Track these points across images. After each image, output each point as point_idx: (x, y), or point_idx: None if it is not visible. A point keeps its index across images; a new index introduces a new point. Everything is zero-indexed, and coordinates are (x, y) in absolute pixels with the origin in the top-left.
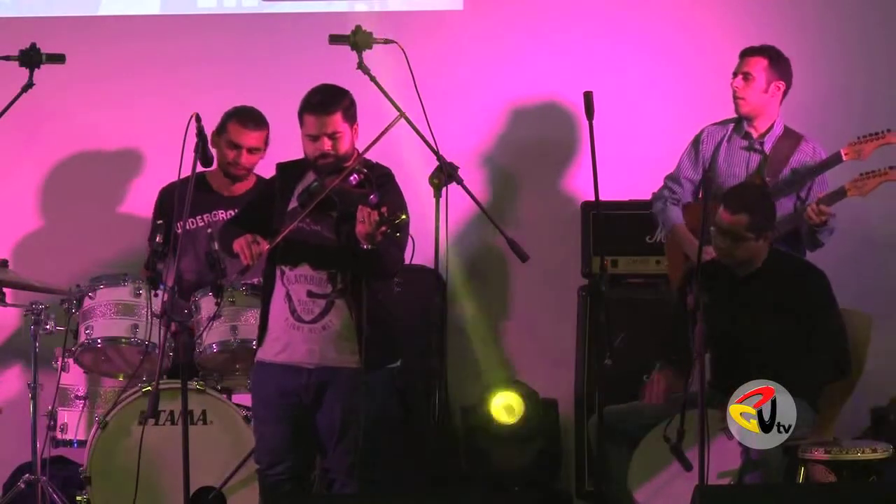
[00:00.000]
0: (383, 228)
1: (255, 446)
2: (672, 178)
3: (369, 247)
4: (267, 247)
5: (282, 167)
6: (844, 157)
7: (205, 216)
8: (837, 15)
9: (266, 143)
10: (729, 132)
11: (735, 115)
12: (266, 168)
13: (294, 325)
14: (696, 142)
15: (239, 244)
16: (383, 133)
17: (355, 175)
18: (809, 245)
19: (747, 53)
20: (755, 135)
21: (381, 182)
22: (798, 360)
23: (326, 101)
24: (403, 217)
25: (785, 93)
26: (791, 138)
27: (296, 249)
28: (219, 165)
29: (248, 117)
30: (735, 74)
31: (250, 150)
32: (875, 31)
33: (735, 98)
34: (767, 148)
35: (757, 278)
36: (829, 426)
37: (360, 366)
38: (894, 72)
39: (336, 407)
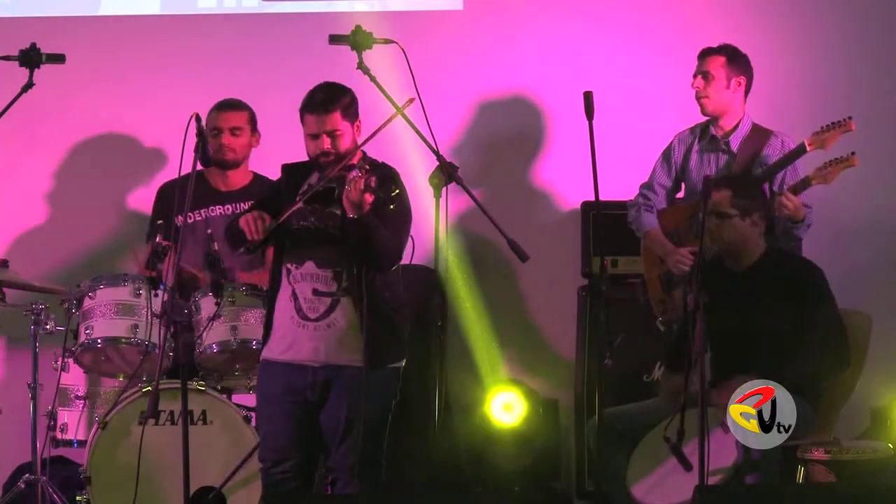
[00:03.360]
0: (369, 197)
1: (258, 444)
2: (646, 186)
3: (354, 216)
4: (270, 220)
5: (287, 168)
6: (809, 148)
7: (201, 211)
8: (843, 14)
9: (250, 125)
10: (697, 136)
11: (703, 121)
12: (267, 169)
13: (299, 324)
14: (668, 150)
15: (244, 219)
16: (381, 128)
17: (357, 171)
18: (785, 240)
19: (705, 54)
20: (720, 134)
21: (384, 180)
22: (797, 356)
23: (325, 100)
24: (397, 191)
25: (747, 88)
26: (760, 135)
27: (301, 247)
28: (213, 159)
29: (222, 102)
30: (695, 76)
31: (232, 131)
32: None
33: (698, 98)
34: (734, 147)
35: (754, 275)
36: (829, 426)
37: (365, 364)
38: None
39: (340, 406)
